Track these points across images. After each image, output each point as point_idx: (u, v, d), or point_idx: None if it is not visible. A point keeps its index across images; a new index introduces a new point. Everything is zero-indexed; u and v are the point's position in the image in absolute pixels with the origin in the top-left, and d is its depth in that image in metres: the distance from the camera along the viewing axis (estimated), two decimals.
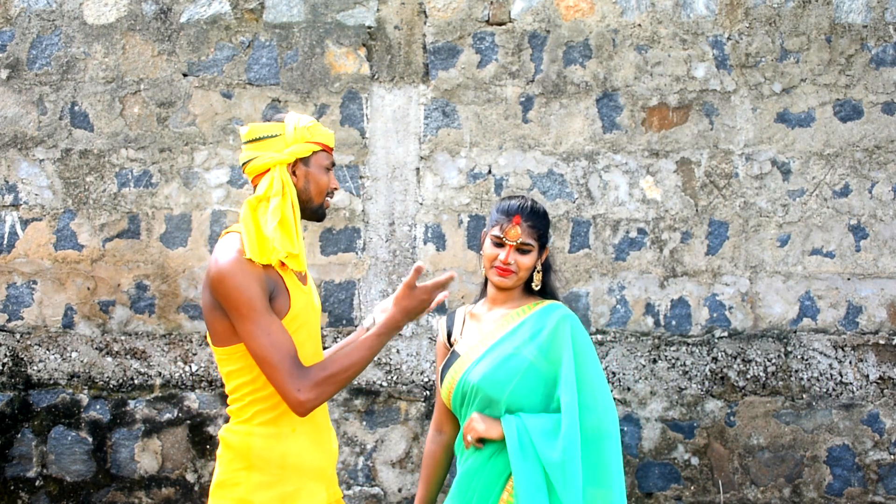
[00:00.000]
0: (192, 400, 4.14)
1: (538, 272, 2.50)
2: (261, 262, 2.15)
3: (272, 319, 2.12)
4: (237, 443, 2.18)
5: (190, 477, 4.13)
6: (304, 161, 2.29)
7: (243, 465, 2.18)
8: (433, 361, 4.13)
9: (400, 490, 4.12)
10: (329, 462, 2.29)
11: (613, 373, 4.09)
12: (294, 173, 2.28)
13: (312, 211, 2.34)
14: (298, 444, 2.20)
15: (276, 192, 2.24)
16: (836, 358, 4.06)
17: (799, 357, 4.07)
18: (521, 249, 2.45)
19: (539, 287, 2.50)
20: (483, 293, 2.58)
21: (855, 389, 4.06)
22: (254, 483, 2.16)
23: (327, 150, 2.33)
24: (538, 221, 2.48)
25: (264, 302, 2.13)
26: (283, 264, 2.23)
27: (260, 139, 2.28)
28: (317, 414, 2.27)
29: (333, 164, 2.37)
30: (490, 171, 4.16)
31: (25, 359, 4.19)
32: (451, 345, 2.55)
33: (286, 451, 2.18)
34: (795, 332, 4.08)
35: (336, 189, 2.39)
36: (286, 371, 2.10)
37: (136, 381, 4.17)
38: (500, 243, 2.46)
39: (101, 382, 4.18)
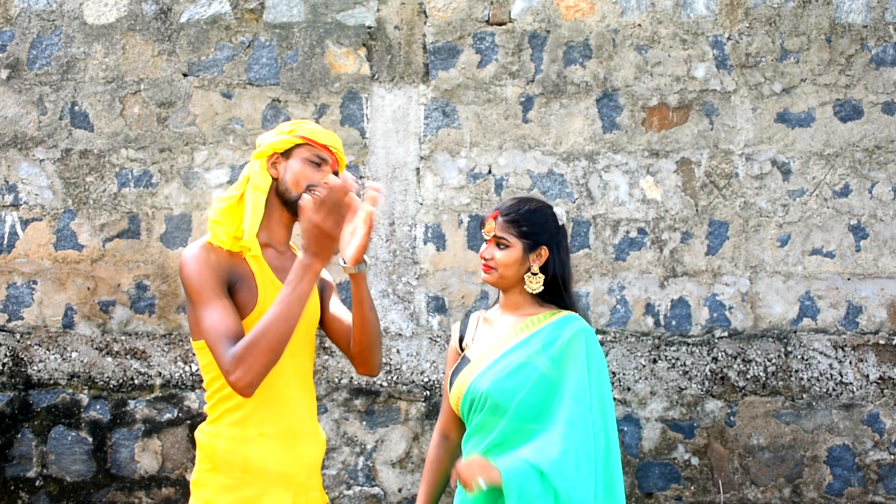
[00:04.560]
0: (192, 400, 4.14)
1: (534, 274, 2.42)
2: (223, 246, 2.17)
3: (219, 303, 2.08)
4: (204, 443, 2.18)
5: (190, 477, 4.13)
6: (286, 154, 2.29)
7: (209, 465, 2.17)
8: (433, 361, 4.13)
9: (400, 490, 4.12)
10: (300, 469, 2.22)
11: (613, 373, 4.09)
12: (275, 167, 2.29)
13: (293, 202, 2.28)
14: (263, 449, 2.16)
15: (242, 179, 2.28)
16: (836, 358, 4.06)
17: (799, 357, 4.07)
18: (499, 244, 2.41)
19: (538, 291, 2.42)
20: (498, 297, 2.54)
21: (855, 389, 4.06)
22: (218, 485, 2.15)
23: (312, 144, 2.29)
24: (520, 218, 2.41)
25: (214, 287, 2.10)
26: (241, 256, 2.22)
27: (259, 145, 2.34)
28: (294, 420, 2.22)
29: (323, 160, 2.30)
30: (490, 171, 4.16)
31: (25, 359, 4.19)
32: (463, 350, 2.49)
33: (249, 454, 2.15)
34: (795, 332, 4.08)
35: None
36: (219, 354, 2.03)
37: (136, 381, 4.17)
38: (485, 239, 2.47)
39: (101, 382, 4.18)
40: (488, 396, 2.32)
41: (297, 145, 2.29)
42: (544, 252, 2.43)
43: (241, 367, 1.99)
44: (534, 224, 2.42)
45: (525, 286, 2.43)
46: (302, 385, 2.28)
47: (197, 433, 2.22)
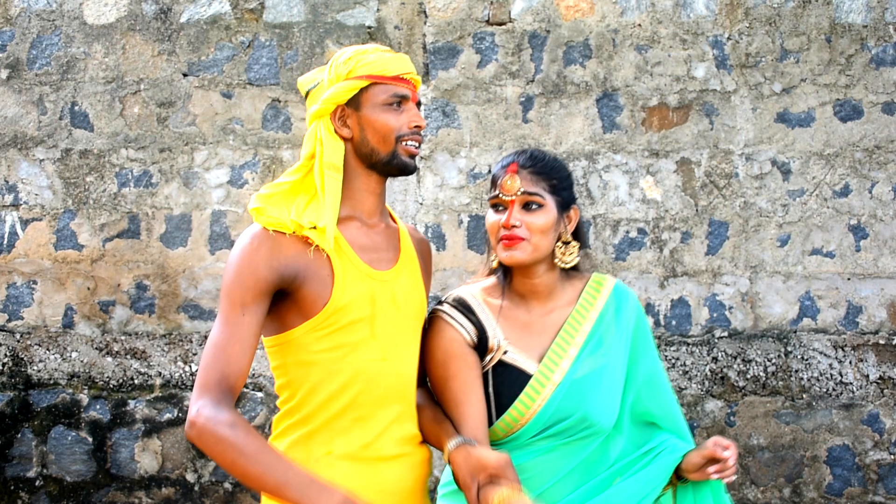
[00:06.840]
0: None
1: (564, 243, 1.86)
2: (285, 231, 1.78)
3: (240, 319, 1.73)
4: None
5: (190, 477, 4.13)
6: (353, 104, 1.83)
7: None
8: None
9: None
10: (382, 496, 1.83)
11: None
12: (346, 124, 1.84)
13: (384, 164, 1.83)
14: (331, 471, 1.80)
15: (306, 153, 1.83)
16: (836, 358, 4.07)
17: (799, 357, 4.07)
18: (528, 205, 1.82)
19: (572, 265, 1.89)
20: (497, 287, 1.91)
21: (855, 389, 4.06)
22: None
23: (383, 80, 1.82)
24: (546, 168, 1.85)
25: (247, 294, 1.73)
26: (313, 245, 1.80)
27: (308, 93, 1.89)
28: (377, 437, 1.86)
29: (404, 97, 1.83)
30: (490, 171, 4.16)
31: (25, 359, 4.19)
32: (489, 349, 1.88)
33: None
34: (795, 332, 4.08)
35: (420, 127, 1.85)
36: (204, 383, 1.71)
37: (136, 381, 4.17)
38: (498, 204, 1.86)
39: (101, 382, 4.18)
40: (587, 419, 1.83)
41: (364, 88, 1.83)
42: (575, 213, 1.91)
43: (202, 431, 1.67)
44: (562, 176, 1.88)
45: (556, 260, 1.88)
46: (395, 395, 1.87)
47: None
